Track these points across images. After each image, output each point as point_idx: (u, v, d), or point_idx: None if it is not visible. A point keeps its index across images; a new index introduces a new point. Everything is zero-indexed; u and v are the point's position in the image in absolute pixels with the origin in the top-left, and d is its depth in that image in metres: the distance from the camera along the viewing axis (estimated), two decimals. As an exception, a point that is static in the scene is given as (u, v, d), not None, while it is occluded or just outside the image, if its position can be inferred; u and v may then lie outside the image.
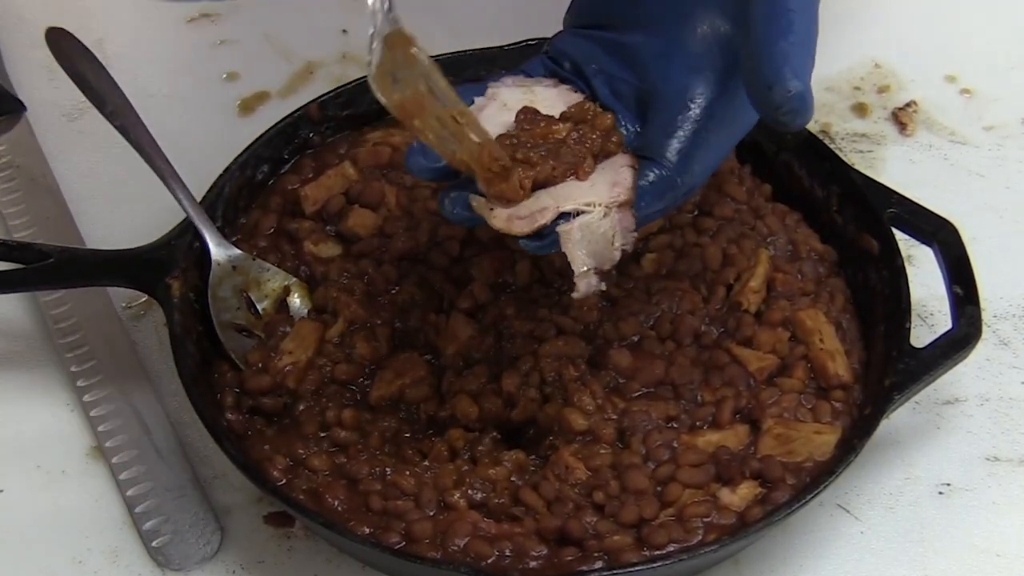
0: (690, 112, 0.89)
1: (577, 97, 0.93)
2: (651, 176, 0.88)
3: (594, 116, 0.90)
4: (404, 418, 0.97)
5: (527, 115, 0.90)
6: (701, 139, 0.89)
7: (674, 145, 0.88)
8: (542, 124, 0.89)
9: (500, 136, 0.88)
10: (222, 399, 0.96)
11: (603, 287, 0.88)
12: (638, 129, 0.92)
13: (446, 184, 0.89)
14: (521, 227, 0.85)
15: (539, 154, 0.87)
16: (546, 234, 0.86)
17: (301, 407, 0.97)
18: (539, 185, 0.87)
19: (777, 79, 0.81)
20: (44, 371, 1.07)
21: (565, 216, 0.86)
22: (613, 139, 0.90)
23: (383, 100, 0.84)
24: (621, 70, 0.93)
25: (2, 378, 1.07)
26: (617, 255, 0.87)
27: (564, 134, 0.89)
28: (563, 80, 0.94)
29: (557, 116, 0.91)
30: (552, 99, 0.93)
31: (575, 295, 0.87)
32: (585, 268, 0.86)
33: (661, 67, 0.90)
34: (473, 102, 0.92)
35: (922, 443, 1.02)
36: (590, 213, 0.86)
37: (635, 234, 0.87)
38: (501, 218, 0.86)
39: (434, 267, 1.02)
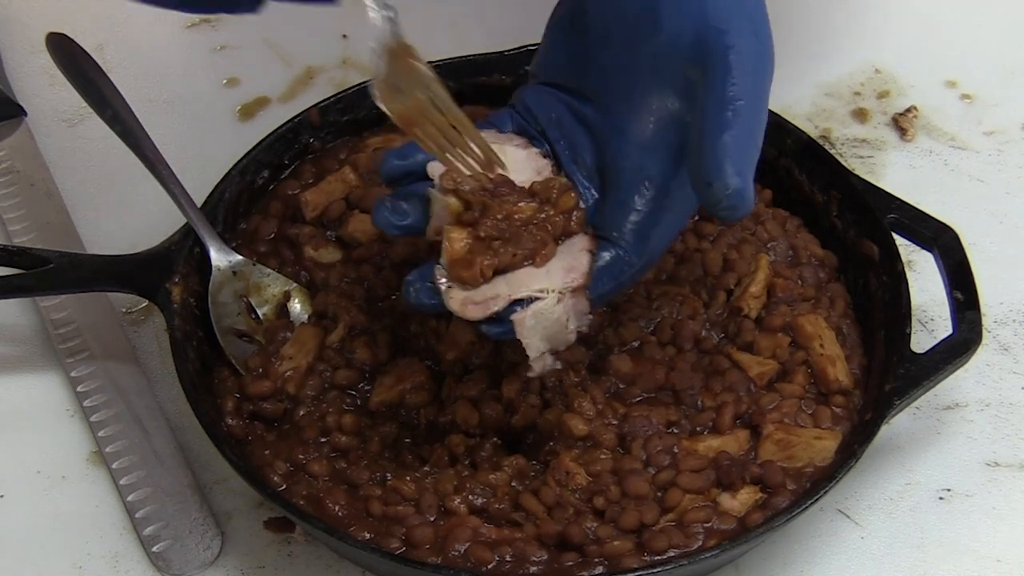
0: (646, 192, 0.89)
1: (545, 164, 0.93)
2: (607, 256, 0.89)
3: (558, 195, 0.90)
4: (404, 423, 0.97)
5: (500, 185, 0.90)
6: (656, 218, 0.89)
7: (629, 225, 0.89)
8: (510, 200, 0.89)
9: (467, 206, 0.89)
10: (222, 404, 0.96)
11: (558, 365, 0.89)
12: (597, 197, 0.92)
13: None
14: (475, 312, 0.87)
15: (501, 237, 0.88)
16: (503, 319, 0.87)
17: (301, 412, 0.97)
18: (499, 271, 0.88)
19: (717, 176, 0.80)
20: (44, 376, 1.07)
21: (519, 303, 0.87)
22: (575, 218, 0.90)
23: (385, 109, 0.86)
24: (582, 138, 0.92)
25: (2, 383, 1.07)
26: (572, 337, 0.89)
27: (528, 214, 0.89)
28: (531, 139, 0.94)
29: (525, 182, 0.91)
30: (522, 162, 0.93)
31: (530, 375, 0.90)
32: (539, 352, 0.88)
33: (616, 143, 0.90)
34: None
35: (922, 448, 1.02)
36: (543, 300, 0.87)
37: (589, 316, 0.89)
38: (457, 300, 0.87)
39: (435, 273, 1.02)
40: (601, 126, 0.91)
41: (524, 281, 0.88)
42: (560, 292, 0.87)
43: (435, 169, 0.91)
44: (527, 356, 0.88)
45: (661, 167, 0.88)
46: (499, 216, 0.88)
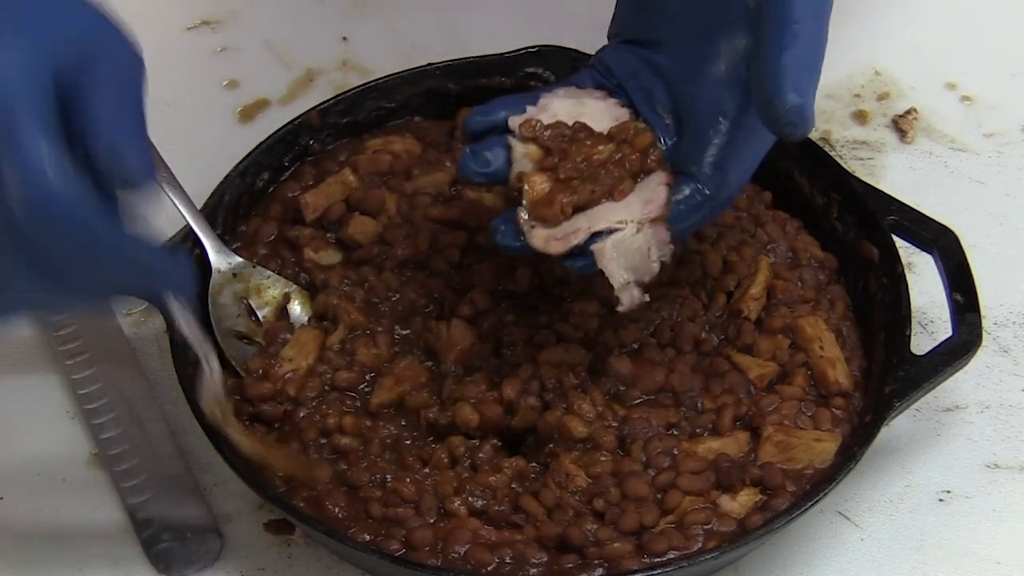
0: (720, 126, 0.90)
1: (623, 112, 0.95)
2: (686, 190, 0.91)
3: (635, 135, 0.93)
4: (405, 425, 0.97)
5: (579, 131, 0.93)
6: (733, 151, 0.91)
7: (708, 159, 0.91)
8: (588, 143, 0.93)
9: (547, 152, 0.92)
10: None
11: (647, 298, 0.90)
12: (675, 139, 0.94)
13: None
14: (557, 247, 0.89)
15: (580, 177, 0.91)
16: (584, 252, 0.89)
17: (301, 414, 0.97)
18: (579, 208, 0.90)
19: (776, 93, 0.82)
20: (44, 378, 1.07)
21: (600, 236, 0.89)
22: (652, 156, 0.92)
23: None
24: (658, 87, 0.94)
25: (2, 385, 1.07)
26: (656, 267, 0.90)
27: (606, 155, 0.92)
28: (611, 92, 0.96)
29: (604, 130, 0.94)
30: (600, 112, 0.95)
31: (620, 308, 0.90)
32: (623, 282, 0.89)
33: (690, 83, 0.92)
34: (525, 110, 0.95)
35: (922, 450, 1.02)
36: (623, 230, 0.89)
37: (671, 246, 0.90)
38: (540, 238, 0.90)
39: (434, 274, 1.02)
40: (674, 71, 0.93)
41: (603, 215, 0.90)
42: (639, 222, 0.89)
43: (516, 122, 0.94)
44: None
45: (734, 102, 0.90)
46: (578, 159, 0.92)
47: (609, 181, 0.91)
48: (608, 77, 0.97)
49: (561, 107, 0.95)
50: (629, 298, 0.90)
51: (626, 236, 0.89)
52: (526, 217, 0.90)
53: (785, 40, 0.83)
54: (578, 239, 0.89)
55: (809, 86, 0.83)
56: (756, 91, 0.85)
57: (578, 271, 0.90)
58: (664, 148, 0.93)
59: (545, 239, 0.90)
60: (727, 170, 0.91)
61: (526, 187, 0.91)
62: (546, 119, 0.94)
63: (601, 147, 0.92)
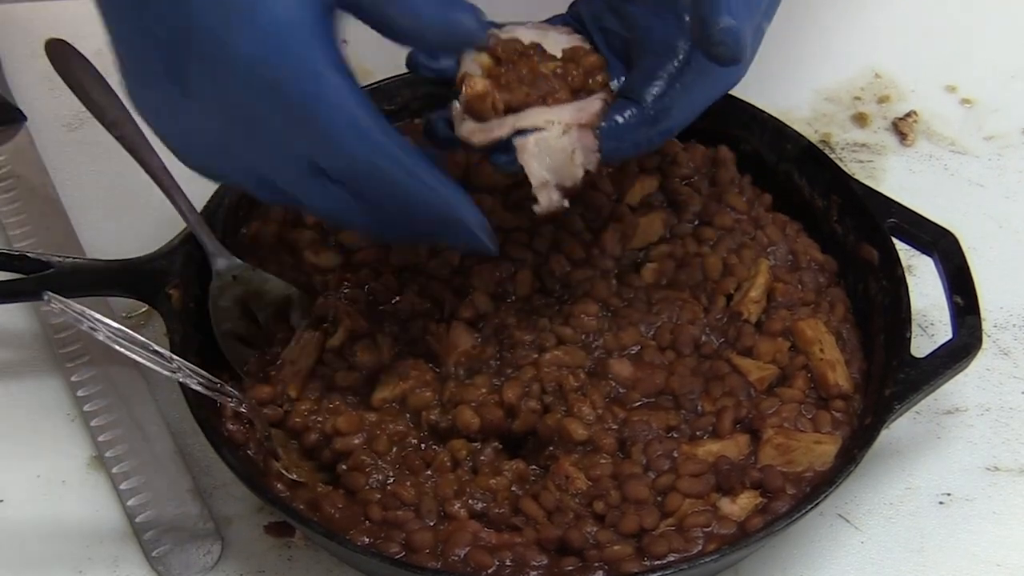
0: (670, 60, 0.93)
1: (585, 47, 0.96)
2: (627, 112, 0.93)
3: (583, 56, 0.94)
4: (411, 425, 0.96)
5: (531, 48, 0.94)
6: (680, 86, 0.93)
7: (653, 89, 0.93)
8: (536, 59, 0.93)
9: (497, 62, 0.93)
10: (223, 409, 0.96)
11: (566, 204, 0.91)
12: (625, 77, 0.96)
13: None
14: (480, 138, 0.91)
15: (519, 82, 0.92)
16: (508, 149, 0.91)
17: (302, 417, 0.96)
18: (511, 108, 0.91)
19: (708, 13, 0.85)
20: (45, 381, 1.07)
21: (525, 133, 0.90)
22: (597, 78, 0.93)
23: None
24: (619, 28, 0.97)
25: (3, 388, 1.07)
26: (578, 172, 0.91)
27: (551, 68, 0.93)
28: (576, 31, 0.98)
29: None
30: (561, 43, 0.96)
31: (536, 208, 0.91)
32: (542, 181, 0.90)
33: (647, 21, 0.94)
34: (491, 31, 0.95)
35: (922, 453, 1.02)
36: (548, 131, 0.90)
37: (597, 155, 0.91)
38: (467, 129, 0.92)
39: (435, 277, 1.02)
40: (634, 13, 0.95)
41: (532, 116, 0.91)
42: (566, 124, 0.90)
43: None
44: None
45: (685, 40, 0.92)
46: (523, 70, 0.92)
47: (545, 87, 0.92)
48: (578, 23, 0.99)
49: (525, 34, 0.96)
50: (547, 199, 0.91)
51: (551, 136, 0.90)
52: (459, 110, 0.92)
53: None
54: (502, 132, 0.90)
55: (746, 14, 0.86)
56: (692, 13, 0.86)
57: (500, 167, 0.91)
58: (614, 82, 0.94)
59: (471, 131, 0.91)
60: (671, 103, 0.93)
61: (465, 85, 0.92)
62: (504, 37, 0.95)
63: (549, 63, 0.93)
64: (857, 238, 1.04)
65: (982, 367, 1.06)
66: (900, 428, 1.01)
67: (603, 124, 0.91)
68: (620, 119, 0.92)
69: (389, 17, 0.81)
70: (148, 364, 0.88)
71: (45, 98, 1.27)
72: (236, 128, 0.83)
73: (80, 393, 1.05)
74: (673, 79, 0.92)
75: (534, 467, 0.94)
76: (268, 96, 0.80)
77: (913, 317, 0.98)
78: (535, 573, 0.89)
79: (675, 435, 0.95)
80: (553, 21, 1.00)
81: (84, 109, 1.10)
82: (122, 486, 1.00)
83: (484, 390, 0.96)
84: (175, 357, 0.90)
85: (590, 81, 0.93)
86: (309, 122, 0.80)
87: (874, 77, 1.31)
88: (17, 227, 1.16)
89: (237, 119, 0.82)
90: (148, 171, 1.06)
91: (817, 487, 0.92)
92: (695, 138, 1.09)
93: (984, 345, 0.98)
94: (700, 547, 0.90)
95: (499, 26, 0.95)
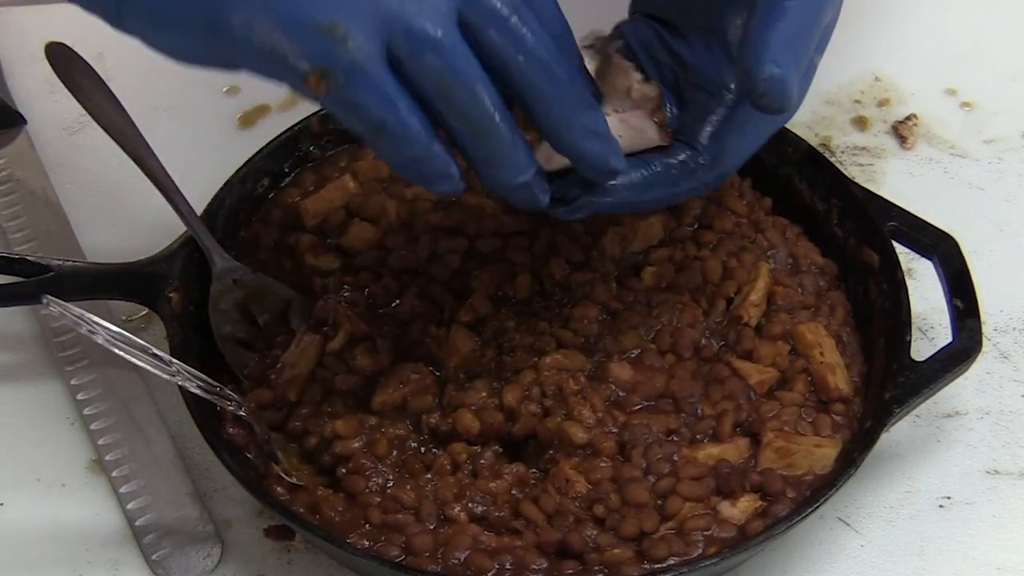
0: (722, 100, 0.91)
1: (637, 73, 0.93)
2: (682, 155, 0.91)
3: (642, 85, 0.91)
4: (411, 429, 0.96)
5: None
6: (733, 127, 0.91)
7: (707, 129, 0.91)
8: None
9: None
10: (223, 412, 0.96)
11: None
12: (678, 114, 0.93)
13: None
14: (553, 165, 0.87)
15: None
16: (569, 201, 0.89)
17: (302, 420, 0.96)
18: None
19: (752, 63, 0.83)
20: (44, 384, 1.07)
21: None
22: (656, 116, 0.91)
23: None
24: (668, 59, 0.94)
25: (2, 391, 1.07)
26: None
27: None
28: (630, 58, 0.95)
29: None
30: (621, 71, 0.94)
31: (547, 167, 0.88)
32: None
33: (699, 58, 0.92)
34: None
35: (922, 456, 1.02)
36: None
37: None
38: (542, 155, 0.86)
39: (435, 280, 1.02)
40: (683, 46, 0.93)
41: None
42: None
43: None
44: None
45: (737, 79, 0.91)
46: None
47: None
48: (626, 44, 0.96)
49: (588, 63, 0.92)
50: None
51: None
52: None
53: (772, 15, 0.83)
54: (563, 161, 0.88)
55: (792, 61, 0.83)
56: (737, 61, 0.85)
57: (559, 216, 0.90)
58: (668, 114, 0.92)
59: (546, 158, 0.87)
60: (725, 145, 0.91)
61: None
62: None
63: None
64: (857, 241, 1.04)
65: (982, 370, 1.06)
66: (900, 431, 1.01)
67: (657, 166, 0.90)
68: (677, 163, 0.91)
69: None
70: (148, 367, 0.88)
71: (45, 101, 1.27)
72: None
73: (80, 396, 1.05)
74: (726, 120, 0.91)
75: (534, 470, 0.94)
76: None
77: (913, 320, 0.98)
78: (535, 576, 0.89)
79: (675, 438, 0.95)
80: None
81: (84, 112, 1.10)
82: (122, 489, 1.00)
83: (484, 393, 0.96)
84: (175, 360, 0.90)
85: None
86: None
87: (874, 80, 1.31)
88: (17, 230, 1.16)
89: None
90: (148, 174, 1.06)
91: (817, 490, 0.92)
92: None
93: (984, 348, 0.98)
94: (700, 550, 0.90)
95: None
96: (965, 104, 1.29)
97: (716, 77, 0.91)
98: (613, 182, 0.88)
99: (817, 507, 0.89)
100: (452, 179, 0.82)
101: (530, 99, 0.82)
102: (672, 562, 0.89)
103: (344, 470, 0.94)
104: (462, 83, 0.79)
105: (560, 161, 0.86)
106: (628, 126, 0.89)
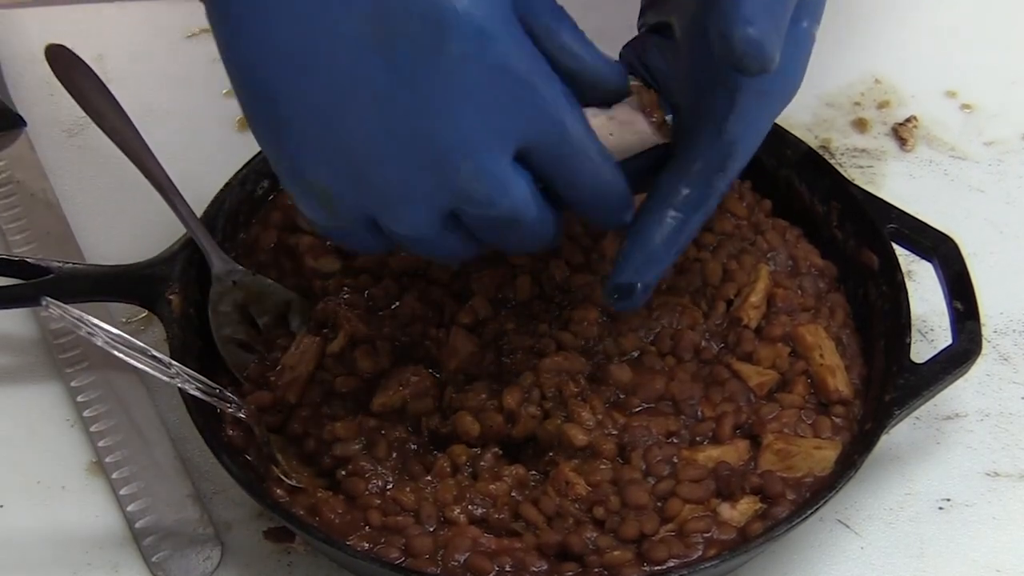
0: (720, 88, 0.89)
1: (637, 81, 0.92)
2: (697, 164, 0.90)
3: (639, 90, 0.89)
4: (411, 431, 0.96)
5: None
6: (736, 111, 0.89)
7: (710, 127, 0.89)
8: None
9: None
10: (222, 414, 0.96)
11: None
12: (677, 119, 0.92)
13: None
14: None
15: None
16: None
17: (302, 422, 0.96)
18: None
19: (727, 26, 0.81)
20: (44, 387, 1.07)
21: None
22: (653, 117, 0.89)
23: None
24: (664, 63, 0.92)
25: (2, 393, 1.07)
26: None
27: None
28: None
29: None
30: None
31: None
32: None
33: (694, 50, 0.90)
34: None
35: (922, 458, 1.02)
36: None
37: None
38: None
39: (435, 282, 1.02)
40: (681, 52, 0.91)
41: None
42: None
43: None
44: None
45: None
46: None
47: None
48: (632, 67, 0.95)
49: None
50: None
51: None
52: None
53: None
54: None
55: (767, 21, 0.82)
56: (712, 31, 0.82)
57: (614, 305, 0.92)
58: (666, 114, 0.90)
59: None
60: (734, 136, 0.89)
61: None
62: None
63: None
64: (857, 243, 1.04)
65: (982, 372, 1.06)
66: (900, 433, 1.01)
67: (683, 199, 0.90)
68: (692, 170, 0.90)
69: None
70: (147, 370, 0.88)
71: (45, 103, 1.27)
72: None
73: (79, 399, 1.05)
74: (728, 109, 0.89)
75: (534, 472, 0.94)
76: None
77: (913, 323, 0.98)
78: (535, 579, 0.89)
79: (675, 440, 0.95)
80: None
81: (84, 114, 1.10)
82: (122, 491, 1.00)
83: (484, 395, 0.96)
84: (174, 363, 0.90)
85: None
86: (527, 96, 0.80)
87: (874, 83, 1.31)
88: (16, 232, 1.16)
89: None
90: (148, 176, 1.06)
91: (817, 492, 0.92)
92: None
93: (984, 351, 0.98)
94: (700, 552, 0.90)
95: None
96: (965, 106, 1.29)
97: (709, 67, 0.89)
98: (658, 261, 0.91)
99: (817, 509, 0.89)
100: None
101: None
102: (672, 564, 0.89)
103: (344, 472, 0.94)
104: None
105: None
106: (618, 122, 0.89)
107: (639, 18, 0.97)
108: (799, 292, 1.03)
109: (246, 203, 1.08)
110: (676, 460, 0.93)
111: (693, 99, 0.90)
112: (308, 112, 0.79)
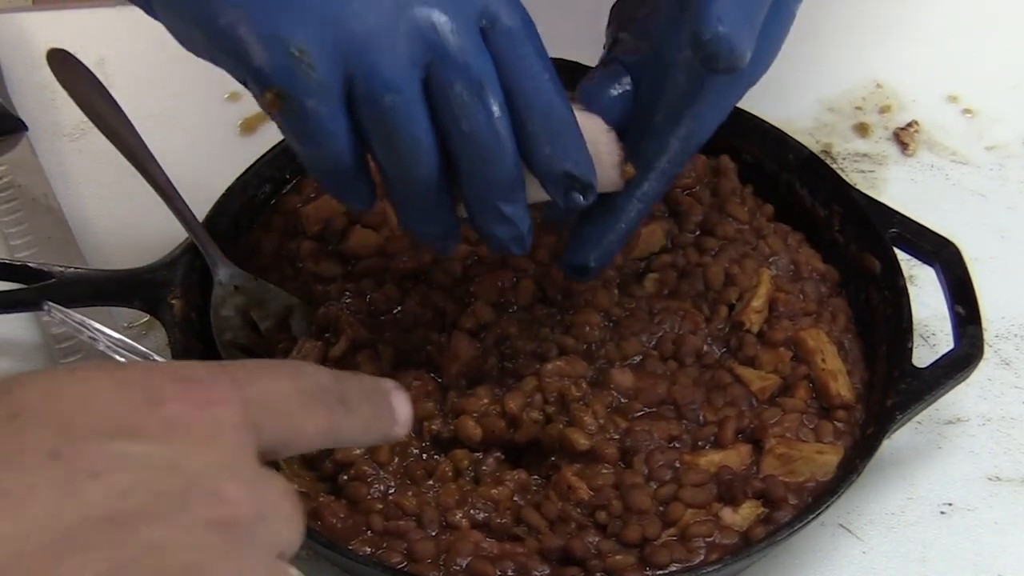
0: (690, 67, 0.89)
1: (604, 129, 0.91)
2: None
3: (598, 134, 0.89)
4: (413, 435, 0.96)
5: None
6: (705, 89, 0.90)
7: (665, 123, 0.90)
8: None
9: None
10: (224, 419, 0.96)
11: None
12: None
13: None
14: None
15: None
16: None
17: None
18: None
19: (699, 24, 0.81)
20: (45, 390, 1.07)
21: None
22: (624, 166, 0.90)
23: None
24: (636, 41, 0.92)
25: (3, 397, 1.06)
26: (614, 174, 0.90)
27: None
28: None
29: None
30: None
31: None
32: None
33: (665, 32, 0.90)
34: None
35: (924, 463, 1.02)
36: None
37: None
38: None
39: (436, 286, 1.02)
40: (650, 24, 0.91)
41: None
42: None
43: None
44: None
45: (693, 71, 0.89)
46: None
47: None
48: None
49: None
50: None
51: None
52: None
53: None
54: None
55: (739, 19, 0.82)
56: (685, 27, 0.84)
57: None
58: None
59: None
60: (700, 110, 0.90)
61: None
62: None
63: None
64: (859, 248, 1.04)
65: (983, 377, 1.07)
66: (902, 438, 1.01)
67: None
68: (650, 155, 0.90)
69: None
70: None
71: (46, 108, 1.27)
72: None
73: (81, 402, 1.05)
74: (695, 95, 0.89)
75: (536, 477, 0.94)
76: None
77: (915, 327, 0.98)
78: (537, 583, 0.89)
79: (677, 445, 0.95)
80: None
81: (85, 119, 1.10)
82: (123, 496, 0.99)
83: (486, 400, 0.96)
84: None
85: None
86: None
87: (875, 87, 1.31)
88: (18, 237, 1.16)
89: None
90: (149, 181, 1.06)
91: (819, 497, 0.92)
92: (697, 148, 1.09)
93: (985, 355, 0.98)
94: (702, 557, 0.90)
95: None
96: (966, 111, 1.29)
97: (679, 47, 0.89)
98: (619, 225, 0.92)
99: (819, 514, 0.89)
100: (364, 204, 0.87)
101: (463, 167, 0.83)
102: (674, 568, 0.89)
103: (346, 477, 0.94)
104: (407, 142, 0.81)
105: (539, 195, 0.86)
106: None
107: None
108: (801, 297, 1.03)
109: (248, 207, 1.08)
110: (678, 464, 0.93)
111: (658, 79, 0.90)
112: None
